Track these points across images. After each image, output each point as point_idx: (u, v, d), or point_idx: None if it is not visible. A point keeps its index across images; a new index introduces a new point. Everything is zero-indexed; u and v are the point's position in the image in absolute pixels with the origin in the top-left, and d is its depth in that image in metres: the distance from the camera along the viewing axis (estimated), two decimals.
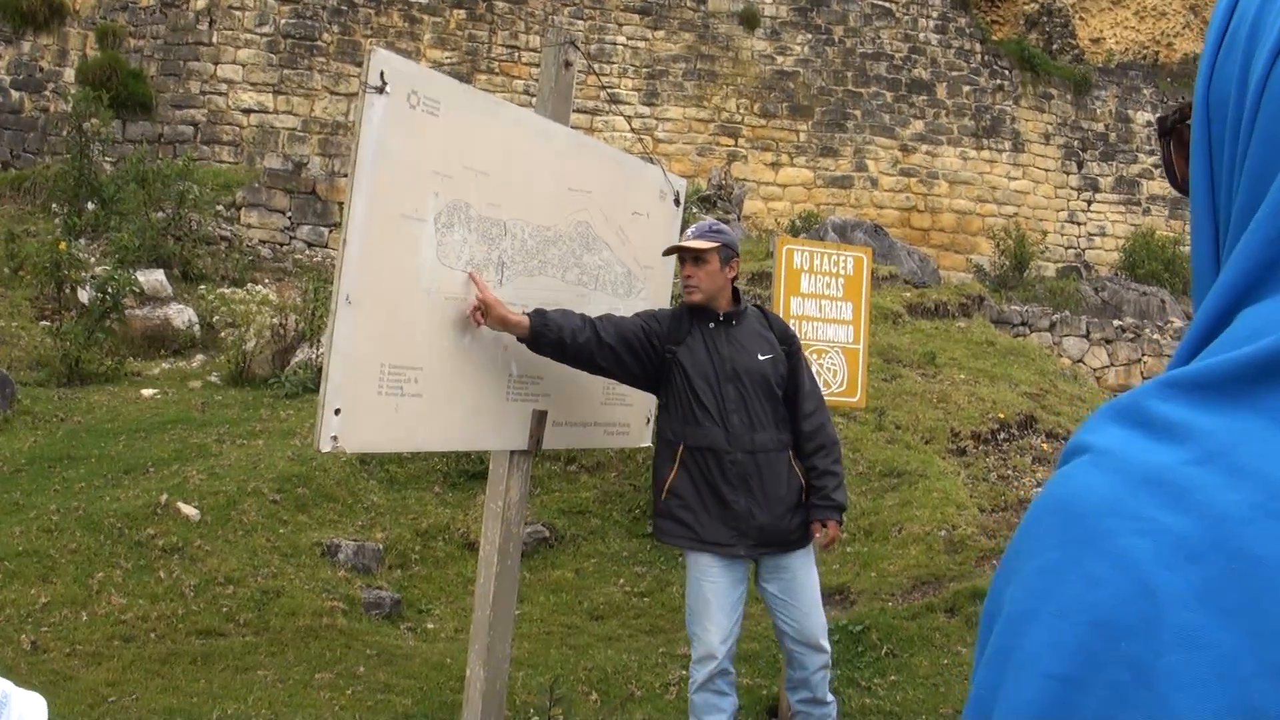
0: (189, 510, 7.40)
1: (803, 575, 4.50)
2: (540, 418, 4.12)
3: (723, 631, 4.44)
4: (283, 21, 21.14)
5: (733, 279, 4.56)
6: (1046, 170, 25.32)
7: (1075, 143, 25.60)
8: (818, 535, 4.45)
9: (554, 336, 3.92)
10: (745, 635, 6.18)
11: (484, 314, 3.71)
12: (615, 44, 22.95)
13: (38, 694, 1.80)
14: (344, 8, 21.45)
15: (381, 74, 3.24)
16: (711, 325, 4.48)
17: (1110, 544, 0.57)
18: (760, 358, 4.44)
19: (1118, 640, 0.55)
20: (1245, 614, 0.53)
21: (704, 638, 4.44)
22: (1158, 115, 0.92)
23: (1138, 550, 0.56)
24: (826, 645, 4.56)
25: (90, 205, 15.90)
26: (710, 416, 4.36)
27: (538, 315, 3.89)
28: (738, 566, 4.47)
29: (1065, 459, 0.66)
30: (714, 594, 4.42)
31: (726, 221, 18.10)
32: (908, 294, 15.16)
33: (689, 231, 4.59)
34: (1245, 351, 0.60)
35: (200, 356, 12.42)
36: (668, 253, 4.69)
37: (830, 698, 4.66)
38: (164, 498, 7.47)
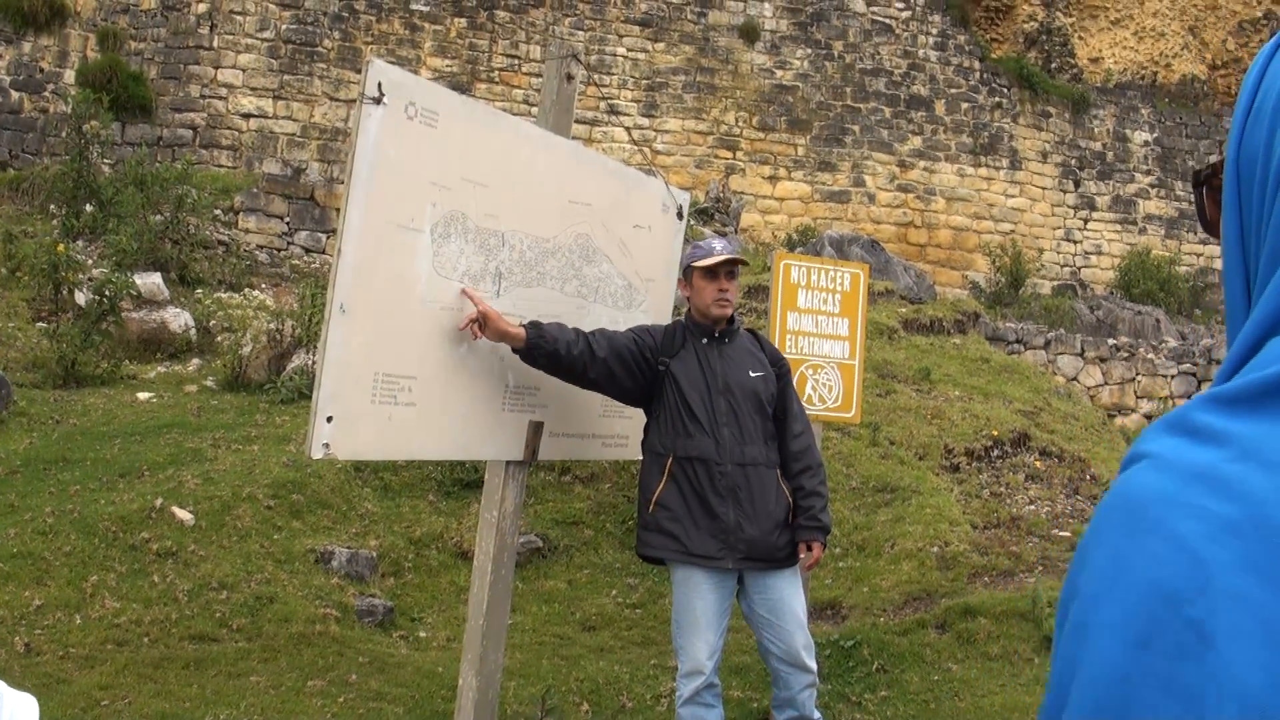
0: (183, 515, 7.40)
1: (788, 595, 4.50)
2: (536, 429, 4.13)
3: (709, 647, 4.44)
4: (284, 27, 21.17)
5: None
6: (1043, 188, 25.36)
7: (1072, 161, 25.66)
8: (802, 556, 4.47)
9: (549, 348, 3.95)
10: (735, 649, 6.20)
11: (481, 326, 3.74)
12: (615, 55, 22.99)
13: (30, 695, 1.81)
14: (345, 14, 21.48)
15: (379, 85, 3.26)
16: (705, 341, 4.53)
17: (1167, 528, 0.69)
18: (751, 374, 4.51)
19: (1179, 606, 0.66)
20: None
21: (691, 653, 4.44)
22: (1193, 169, 1.08)
23: (1190, 531, 0.68)
24: (812, 665, 4.55)
25: (88, 207, 15.90)
26: (701, 428, 4.40)
27: (533, 327, 3.93)
28: (725, 580, 4.48)
29: (1125, 466, 0.78)
30: (701, 609, 4.43)
31: (724, 234, 18.14)
32: (903, 309, 15.19)
33: (716, 246, 4.60)
34: (1271, 371, 0.73)
35: (196, 361, 12.42)
36: (709, 267, 4.54)
37: (817, 715, 4.66)
38: (158, 502, 7.47)
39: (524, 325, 3.91)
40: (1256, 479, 0.68)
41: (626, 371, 4.33)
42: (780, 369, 4.66)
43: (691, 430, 4.40)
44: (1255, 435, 0.71)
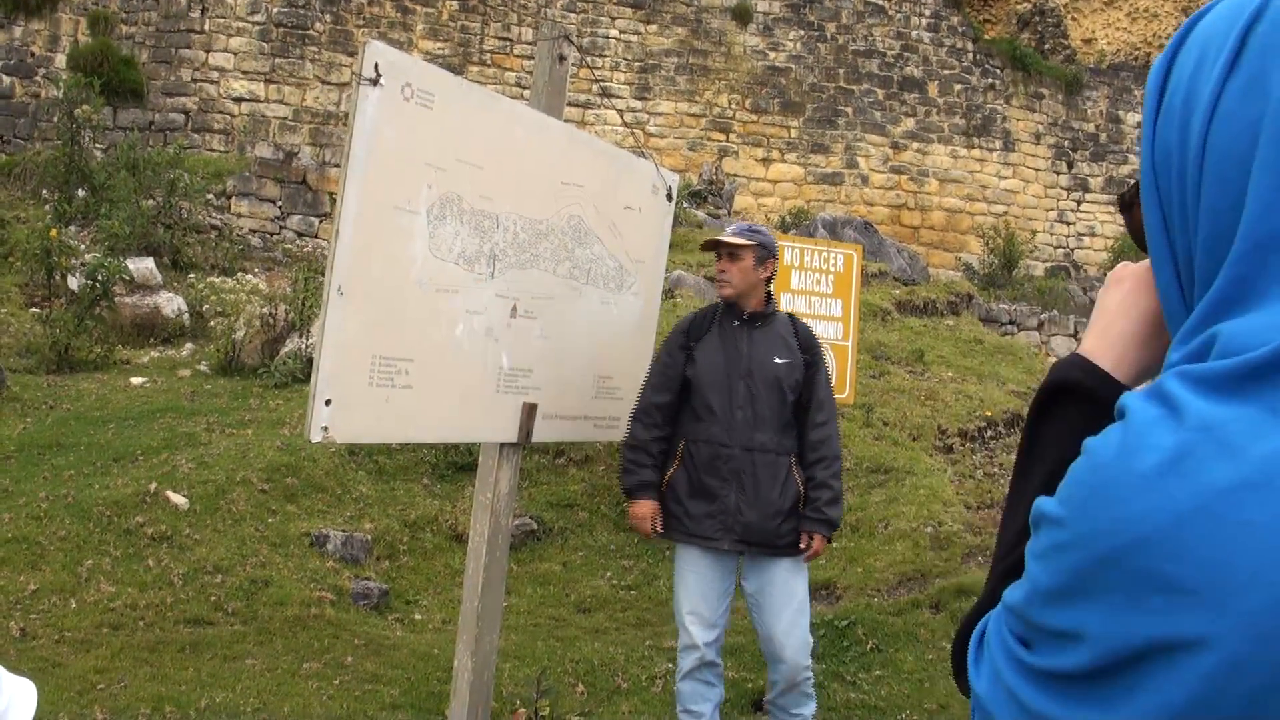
0: (178, 499, 7.40)
1: (786, 583, 4.51)
2: (530, 410, 4.13)
3: (706, 623, 4.51)
4: (275, 10, 21.10)
5: (766, 280, 4.65)
6: (1036, 170, 25.38)
7: (1066, 143, 25.66)
8: (802, 546, 4.48)
9: (661, 473, 4.56)
10: (732, 629, 6.21)
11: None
12: (608, 37, 22.94)
13: (28, 680, 1.82)
14: None
15: (376, 66, 3.25)
16: (737, 323, 4.58)
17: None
18: (777, 361, 4.51)
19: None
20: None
21: (689, 628, 4.52)
22: (1117, 194, 1.11)
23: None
24: (801, 659, 4.54)
25: (81, 192, 15.87)
26: (714, 410, 4.46)
27: (643, 490, 4.58)
28: (725, 560, 4.52)
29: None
30: (698, 586, 4.51)
31: (717, 216, 18.12)
32: (897, 291, 15.20)
33: (729, 229, 4.72)
34: (1251, 355, 0.79)
35: (189, 345, 12.41)
36: (704, 246, 4.82)
37: (801, 709, 4.64)
38: (153, 486, 7.47)
39: (644, 500, 4.55)
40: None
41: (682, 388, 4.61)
42: (812, 356, 4.65)
43: (703, 415, 4.49)
44: (1212, 414, 0.78)
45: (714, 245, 4.67)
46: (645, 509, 4.49)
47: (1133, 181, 1.06)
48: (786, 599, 4.52)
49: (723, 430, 4.43)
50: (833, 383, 6.20)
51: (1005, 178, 25.03)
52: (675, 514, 4.51)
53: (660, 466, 4.51)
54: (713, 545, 4.44)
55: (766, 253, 4.60)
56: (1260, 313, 0.81)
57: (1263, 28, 0.85)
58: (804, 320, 6.06)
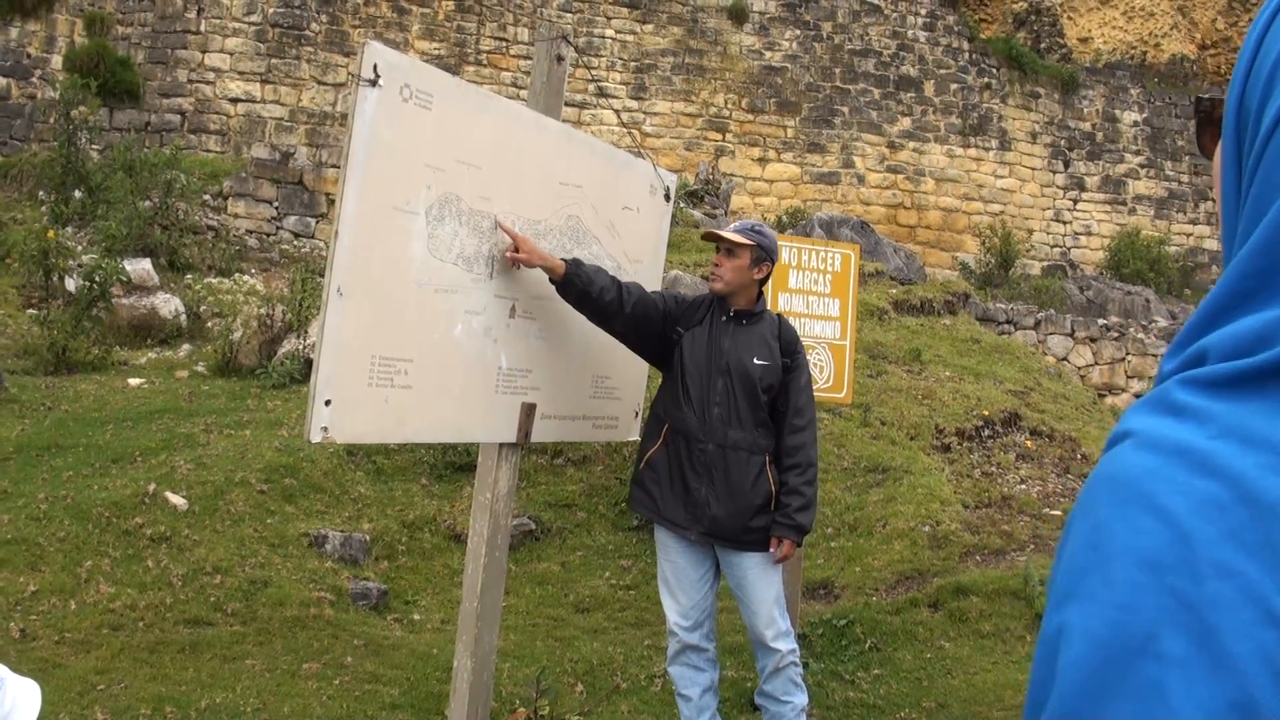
0: (177, 500, 7.41)
1: (756, 577, 4.54)
2: (529, 410, 4.14)
3: (682, 607, 4.61)
4: (271, 10, 21.10)
5: (760, 281, 4.66)
6: (1033, 169, 25.40)
7: (1062, 142, 25.69)
8: (772, 549, 4.49)
9: (581, 286, 4.09)
10: (728, 628, 6.23)
11: (516, 250, 3.90)
12: (604, 37, 22.95)
13: (32, 680, 1.83)
14: None
15: (374, 67, 3.25)
16: (724, 319, 4.61)
17: (1151, 502, 0.71)
18: (755, 361, 4.53)
19: (1163, 575, 0.67)
20: (1263, 549, 0.66)
21: (667, 611, 4.67)
22: (1196, 97, 1.04)
23: (1175, 505, 0.70)
24: (780, 646, 4.57)
25: (77, 193, 15.86)
26: (692, 404, 4.50)
27: (574, 263, 4.09)
28: (697, 548, 4.58)
29: (1110, 446, 0.80)
30: (672, 571, 4.62)
31: (713, 216, 18.13)
32: (894, 291, 15.20)
33: (733, 225, 4.73)
34: (1248, 361, 0.75)
35: (187, 346, 12.41)
36: (705, 237, 4.86)
37: (790, 696, 4.66)
38: (152, 487, 7.47)
39: (565, 260, 4.06)
40: (1238, 456, 0.70)
41: (650, 330, 4.49)
42: (792, 360, 4.64)
43: (683, 404, 4.51)
44: (1235, 414, 0.72)
45: (714, 238, 4.69)
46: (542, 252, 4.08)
47: (1209, 97, 0.98)
48: (765, 589, 4.55)
49: (698, 424, 4.46)
50: (830, 382, 6.21)
51: (1002, 177, 25.05)
52: (652, 495, 4.57)
53: (610, 286, 4.22)
54: (681, 533, 4.51)
55: (764, 254, 4.60)
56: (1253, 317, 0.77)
57: None
58: (800, 319, 6.09)
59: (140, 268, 13.13)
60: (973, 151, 24.86)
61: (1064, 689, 0.70)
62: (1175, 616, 0.66)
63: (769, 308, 4.85)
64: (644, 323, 4.41)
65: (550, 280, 4.08)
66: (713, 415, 4.46)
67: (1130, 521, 0.71)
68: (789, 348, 4.67)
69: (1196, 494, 0.69)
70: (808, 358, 5.17)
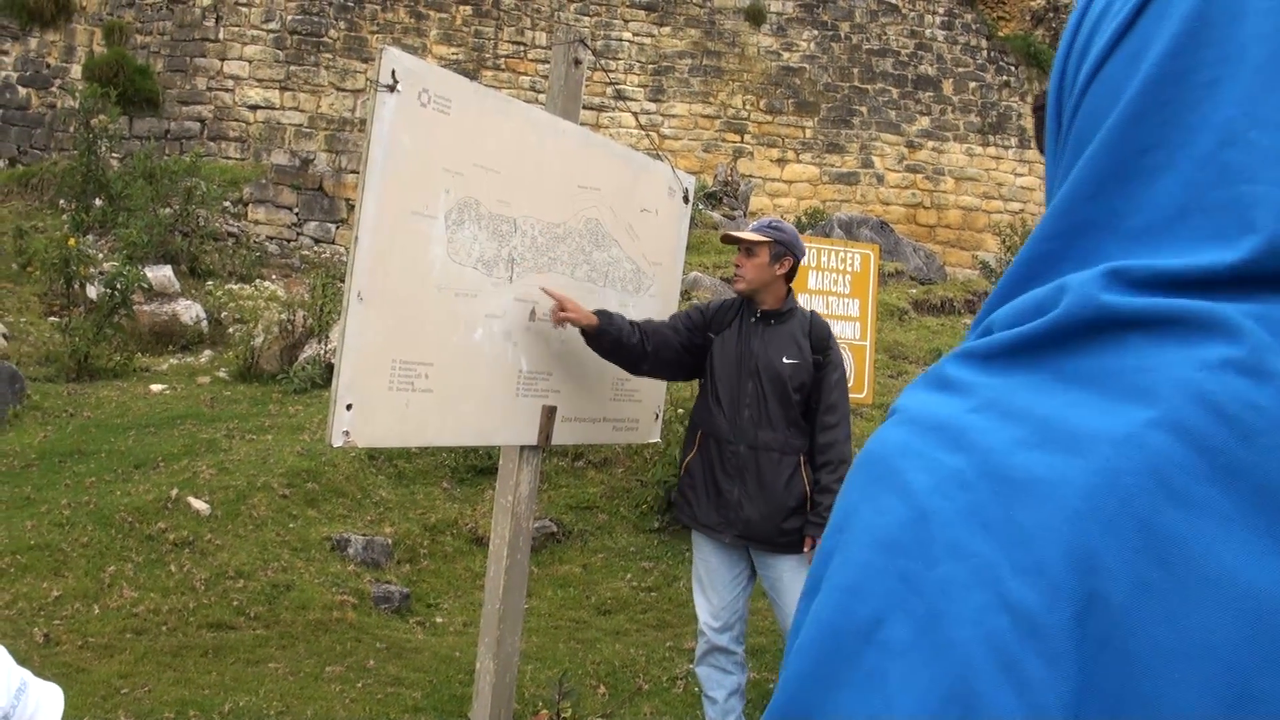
0: (199, 505, 7.44)
1: (791, 580, 4.54)
2: (550, 413, 4.15)
3: (713, 608, 4.61)
4: (289, 18, 21.18)
5: (784, 276, 4.62)
6: None
7: None
8: (805, 550, 4.48)
9: (614, 335, 4.16)
10: (750, 630, 6.22)
11: (563, 309, 4.01)
12: (621, 40, 22.96)
13: (55, 685, 1.84)
14: (350, 4, 21.48)
15: (393, 72, 3.26)
16: (753, 320, 4.60)
17: (898, 480, 0.66)
18: (785, 360, 4.49)
19: (895, 557, 0.63)
20: (1004, 528, 0.61)
21: (698, 610, 4.68)
22: (1034, 97, 1.00)
23: (918, 483, 0.65)
24: None
25: (98, 201, 15.95)
26: (722, 406, 4.50)
27: (603, 315, 4.14)
28: (731, 550, 4.57)
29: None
30: (705, 571, 4.62)
31: (732, 218, 18.12)
32: (914, 290, 15.18)
33: (750, 225, 4.74)
34: (1023, 329, 0.70)
35: (208, 352, 12.46)
36: (723, 240, 4.87)
37: None
38: (174, 492, 7.51)
39: (595, 312, 4.12)
40: (992, 430, 0.65)
41: (677, 360, 4.54)
42: (824, 356, 4.59)
43: (713, 409, 4.52)
44: (1000, 387, 0.68)
45: (732, 240, 4.69)
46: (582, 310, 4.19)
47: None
48: (798, 591, 4.53)
49: (729, 427, 4.46)
50: (850, 383, 6.19)
51: (1021, 175, 24.96)
52: (689, 499, 4.59)
53: (631, 331, 4.30)
54: (715, 536, 4.51)
55: (783, 249, 4.56)
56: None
57: None
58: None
59: (161, 274, 13.20)
60: (992, 150, 24.77)
61: (789, 676, 0.66)
62: (903, 601, 0.62)
63: (798, 305, 4.80)
64: (671, 353, 4.49)
65: (583, 333, 4.15)
66: (743, 417, 4.45)
67: (874, 501, 0.67)
68: (820, 344, 4.62)
69: (942, 470, 0.65)
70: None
